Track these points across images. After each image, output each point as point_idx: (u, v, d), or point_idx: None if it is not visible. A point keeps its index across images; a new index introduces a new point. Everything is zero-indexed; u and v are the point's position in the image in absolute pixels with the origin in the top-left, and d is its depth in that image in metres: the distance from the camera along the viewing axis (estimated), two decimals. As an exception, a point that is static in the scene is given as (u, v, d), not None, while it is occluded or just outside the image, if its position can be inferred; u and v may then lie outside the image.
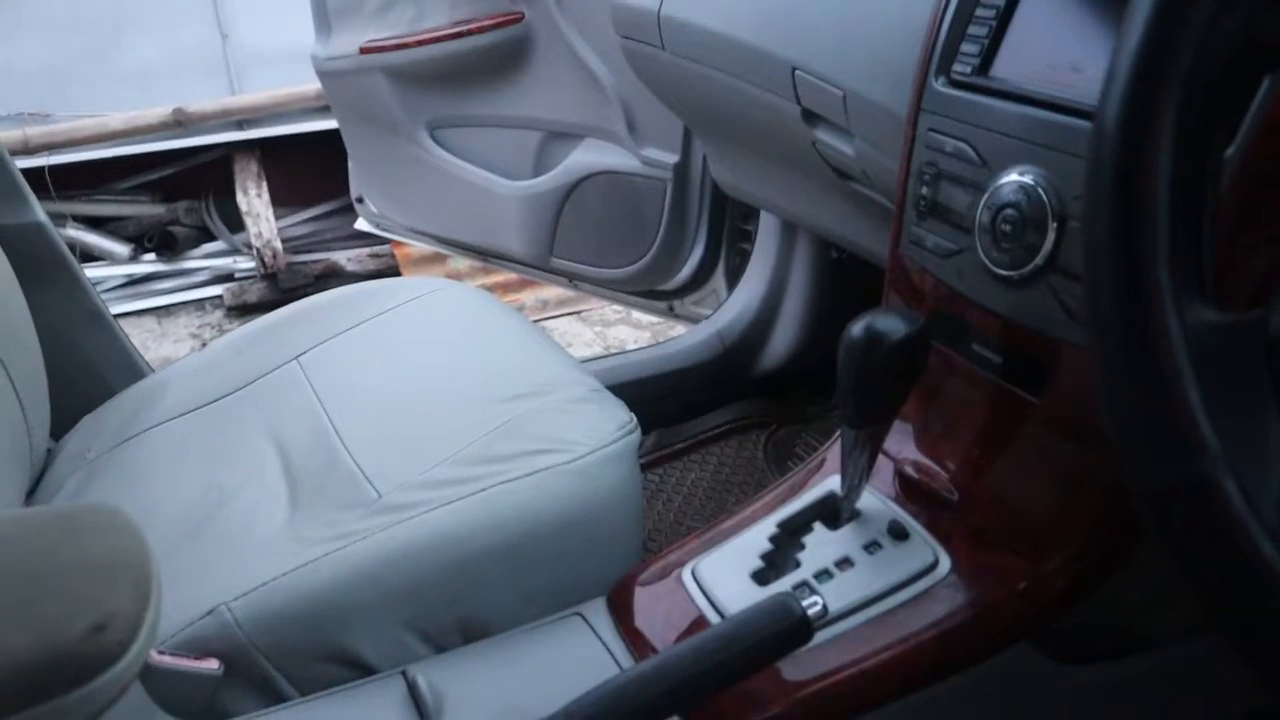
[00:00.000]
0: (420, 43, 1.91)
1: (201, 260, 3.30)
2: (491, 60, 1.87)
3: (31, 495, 1.09)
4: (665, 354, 1.72)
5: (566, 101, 1.83)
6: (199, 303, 3.20)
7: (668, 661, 0.65)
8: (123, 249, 3.23)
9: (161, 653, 0.73)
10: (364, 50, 1.98)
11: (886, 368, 0.72)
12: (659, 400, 1.66)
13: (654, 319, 2.60)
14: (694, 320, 1.89)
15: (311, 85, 3.15)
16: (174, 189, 3.43)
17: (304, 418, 1.06)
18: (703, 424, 1.71)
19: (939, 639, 0.73)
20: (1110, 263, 0.41)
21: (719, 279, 1.87)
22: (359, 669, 0.81)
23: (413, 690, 0.75)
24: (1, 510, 0.90)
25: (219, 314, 3.14)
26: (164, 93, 3.20)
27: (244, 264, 3.26)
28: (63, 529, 0.55)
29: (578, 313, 2.90)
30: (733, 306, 1.73)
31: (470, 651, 0.82)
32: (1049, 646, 0.77)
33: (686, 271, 1.86)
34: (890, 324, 0.72)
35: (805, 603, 0.66)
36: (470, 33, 1.85)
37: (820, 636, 0.73)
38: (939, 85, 0.80)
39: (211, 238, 3.38)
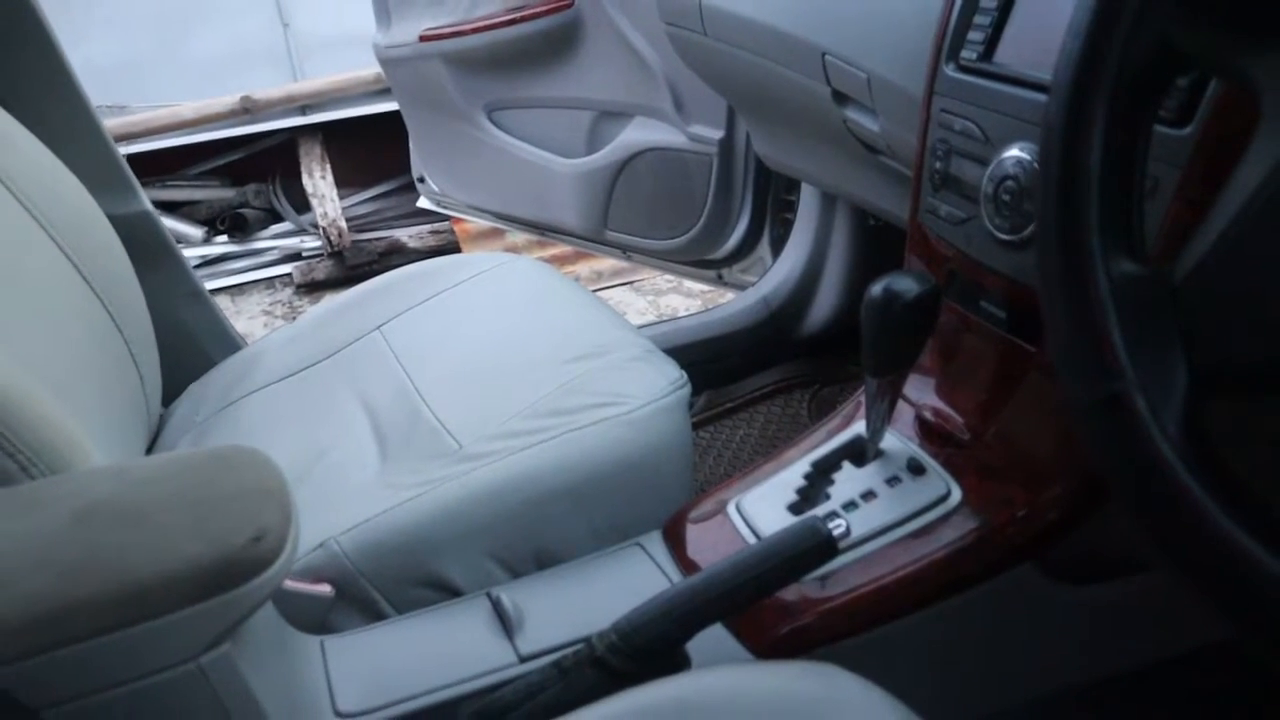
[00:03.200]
0: (476, 30, 2.02)
1: (270, 240, 3.46)
2: (544, 45, 1.97)
3: (149, 454, 1.22)
4: (715, 319, 1.82)
5: (616, 82, 1.93)
6: (269, 281, 3.36)
7: (711, 575, 0.76)
8: (197, 232, 3.39)
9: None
10: (423, 38, 2.09)
11: (902, 323, 0.83)
12: (709, 363, 1.77)
13: (705, 287, 2.70)
14: (741, 287, 1.98)
15: (370, 69, 3.28)
16: (242, 173, 3.58)
17: (388, 381, 1.18)
18: (750, 384, 1.82)
19: (949, 559, 0.83)
20: (1056, 226, 0.51)
21: (764, 247, 1.97)
22: (448, 591, 0.93)
23: (497, 607, 0.87)
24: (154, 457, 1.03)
25: (288, 291, 3.29)
26: (231, 82, 3.35)
27: (310, 243, 3.40)
28: (218, 465, 0.68)
29: (631, 283, 3.00)
30: (777, 273, 1.83)
31: (544, 576, 0.94)
32: (1050, 569, 0.87)
33: (733, 241, 1.95)
34: (905, 284, 0.82)
35: (831, 525, 0.77)
36: (523, 19, 1.95)
37: (845, 557, 0.85)
38: (949, 70, 0.90)
39: (279, 219, 3.53)
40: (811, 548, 0.76)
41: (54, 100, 1.24)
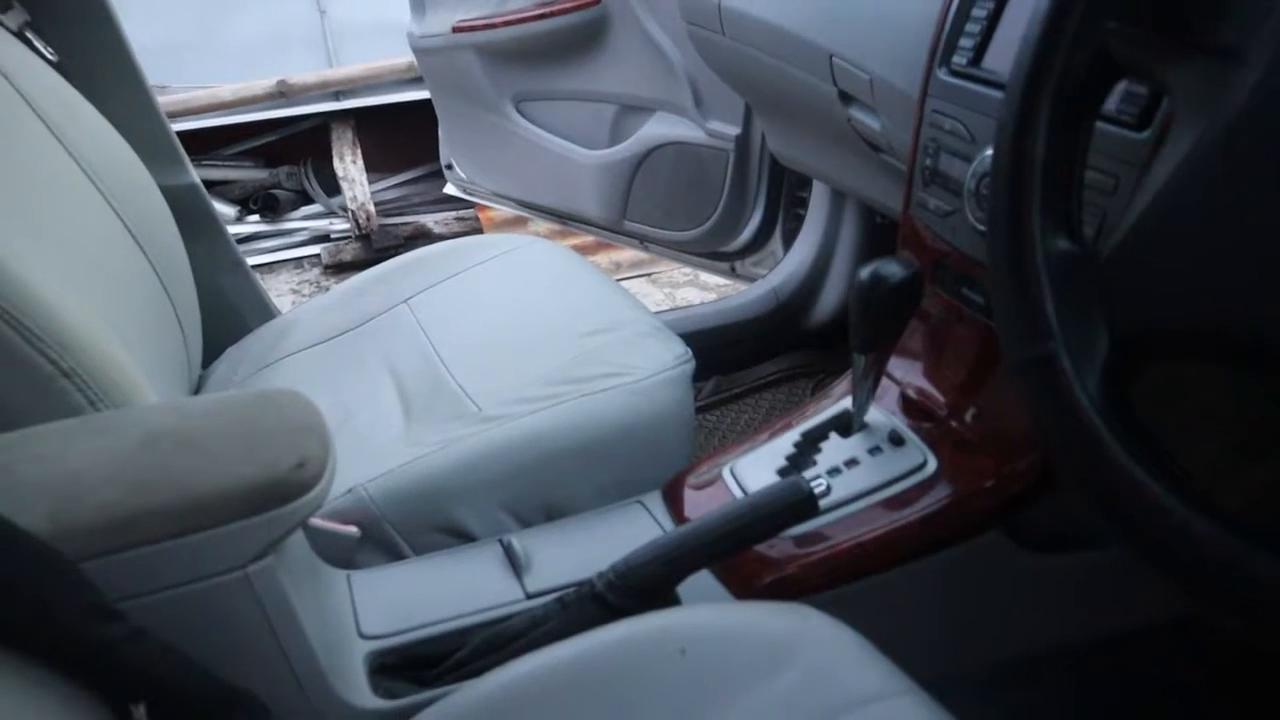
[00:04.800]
0: (507, 23, 2.09)
1: (300, 221, 3.55)
2: (572, 39, 2.05)
3: (193, 407, 1.31)
4: (725, 308, 1.90)
5: (639, 78, 2.01)
6: (298, 261, 3.45)
7: (702, 524, 0.85)
8: (230, 210, 3.49)
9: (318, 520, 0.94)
10: (456, 29, 2.17)
11: (886, 304, 0.91)
12: (719, 349, 1.85)
13: (720, 281, 2.78)
14: (754, 280, 2.06)
15: (403, 58, 3.37)
16: (276, 155, 3.67)
17: (414, 350, 1.27)
18: (757, 372, 1.90)
19: (923, 522, 0.91)
20: (1004, 208, 0.59)
21: (776, 242, 2.04)
22: (463, 537, 1.02)
23: (508, 552, 0.96)
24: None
25: (316, 271, 3.38)
26: (268, 66, 3.44)
27: (339, 225, 3.50)
28: (265, 403, 0.76)
29: (649, 275, 3.08)
30: (787, 266, 1.91)
31: (552, 527, 1.03)
32: (1017, 537, 0.95)
33: (747, 234, 2.03)
34: (890, 269, 0.90)
35: (813, 484, 0.86)
36: (553, 14, 2.03)
37: (827, 517, 0.93)
38: (941, 74, 0.98)
39: (310, 201, 3.62)
40: (794, 503, 0.85)
41: (114, 76, 1.33)
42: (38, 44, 1.23)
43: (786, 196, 1.99)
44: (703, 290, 2.97)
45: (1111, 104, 0.76)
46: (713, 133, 1.92)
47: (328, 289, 3.20)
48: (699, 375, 1.76)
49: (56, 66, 1.23)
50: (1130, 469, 0.51)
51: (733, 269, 2.17)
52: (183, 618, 0.68)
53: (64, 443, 0.72)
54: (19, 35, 1.19)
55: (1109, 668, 1.06)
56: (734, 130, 1.89)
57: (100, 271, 1.05)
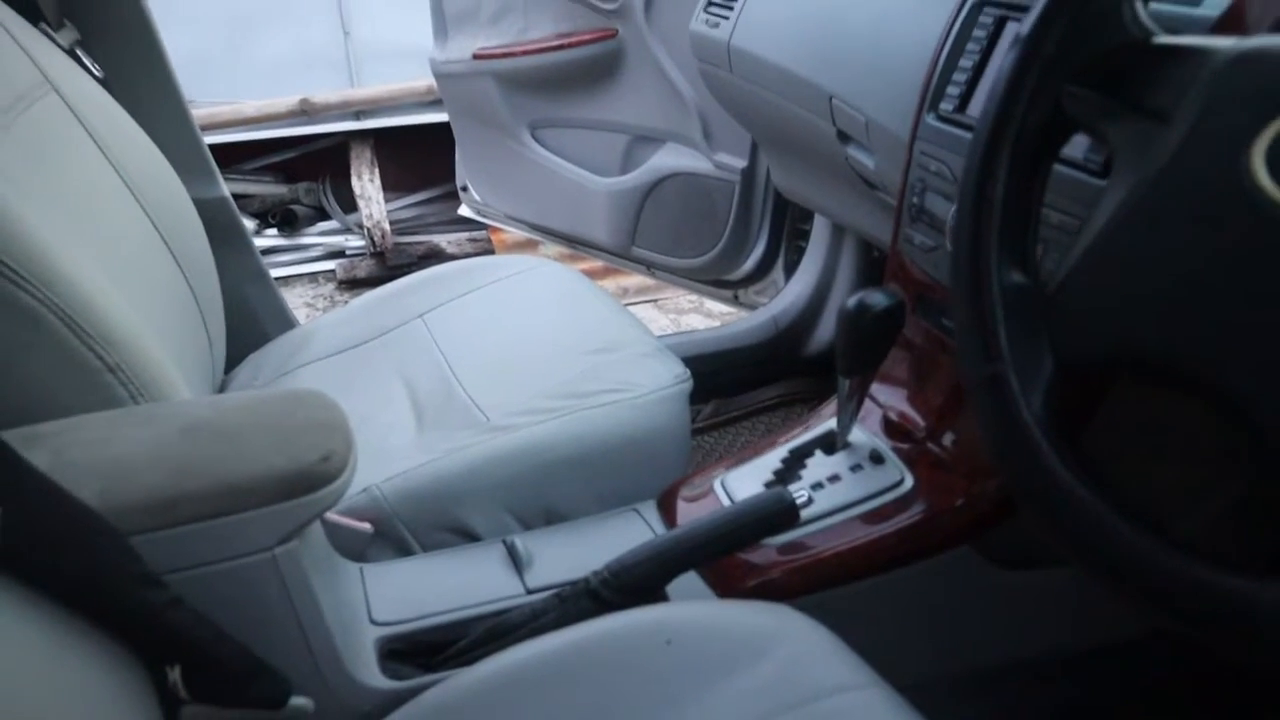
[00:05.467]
0: (526, 52, 2.18)
1: (317, 237, 3.63)
2: (588, 70, 2.12)
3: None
4: (727, 334, 1.97)
5: (651, 109, 2.08)
6: (313, 275, 3.53)
7: (691, 528, 0.92)
8: (249, 224, 3.58)
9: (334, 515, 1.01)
10: (477, 56, 2.25)
11: (871, 331, 0.98)
12: (719, 373, 1.91)
13: (725, 309, 2.85)
14: (756, 308, 2.13)
15: (422, 81, 3.45)
16: (295, 171, 3.76)
17: (427, 362, 1.34)
18: (755, 397, 1.96)
19: (897, 535, 0.98)
20: (966, 243, 0.66)
21: (778, 272, 2.11)
22: (469, 537, 1.09)
23: (510, 551, 1.03)
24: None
25: (330, 286, 3.46)
26: (291, 84, 3.53)
27: (355, 242, 3.58)
28: (294, 401, 0.83)
29: (655, 300, 3.15)
30: (787, 295, 1.98)
31: (553, 530, 1.10)
32: (987, 553, 1.01)
33: (750, 264, 2.10)
34: (875, 299, 0.97)
35: (795, 495, 0.92)
36: (570, 45, 2.11)
37: (809, 527, 0.99)
38: (929, 119, 1.05)
39: (327, 217, 3.71)
40: (777, 512, 0.92)
41: (155, 93, 1.40)
42: (86, 61, 1.30)
43: (789, 228, 2.06)
44: (707, 317, 3.04)
45: (1079, 152, 0.83)
46: (720, 165, 2.00)
47: (342, 304, 3.28)
48: (700, 398, 1.84)
49: (102, 82, 1.31)
50: (1064, 477, 0.58)
51: (736, 297, 2.24)
52: (214, 594, 0.75)
53: (110, 431, 0.79)
54: (70, 53, 1.27)
55: (1082, 679, 1.12)
56: (740, 163, 1.96)
57: (137, 277, 1.12)
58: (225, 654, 0.71)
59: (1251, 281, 0.52)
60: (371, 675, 0.87)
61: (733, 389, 1.95)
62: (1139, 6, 0.62)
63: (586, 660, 0.79)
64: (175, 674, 0.69)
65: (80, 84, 1.22)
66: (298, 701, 0.75)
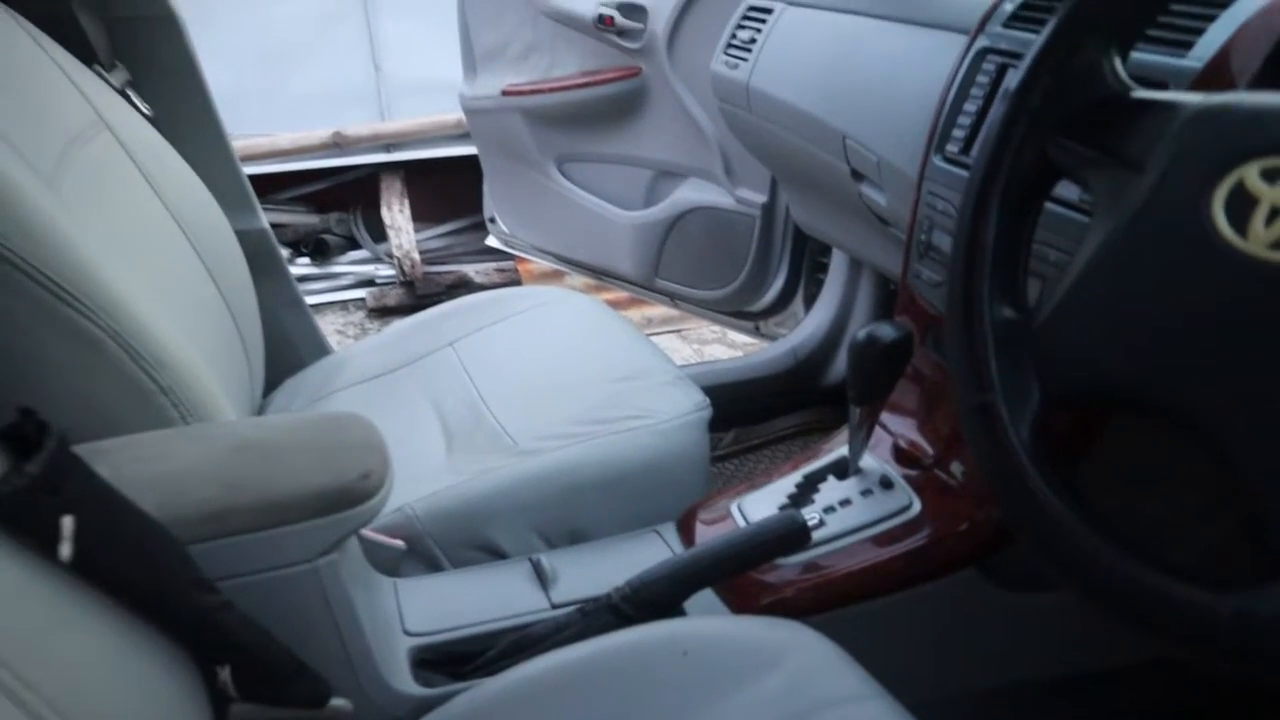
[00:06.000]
0: (553, 89, 2.24)
1: (348, 266, 3.71)
2: (613, 107, 2.19)
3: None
4: (748, 364, 2.02)
5: (674, 145, 2.14)
6: (344, 303, 3.60)
7: (708, 547, 0.97)
8: (281, 253, 3.66)
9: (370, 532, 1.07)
10: (505, 93, 2.32)
11: (879, 362, 1.03)
12: (740, 403, 1.96)
13: (747, 340, 2.90)
14: (776, 339, 2.18)
15: (451, 114, 3.53)
16: (327, 202, 3.83)
17: (457, 388, 1.39)
18: (775, 426, 2.01)
19: (905, 557, 1.02)
20: (959, 281, 0.71)
21: (798, 304, 2.16)
22: (496, 555, 1.14)
23: (536, 568, 1.08)
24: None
25: (361, 314, 3.53)
26: (324, 117, 3.62)
27: (384, 271, 3.65)
28: (335, 424, 0.89)
29: (679, 331, 3.20)
30: (806, 327, 2.02)
31: (576, 549, 1.15)
32: (992, 576, 1.05)
33: (770, 296, 2.15)
34: (884, 331, 1.02)
35: (807, 517, 0.97)
36: (596, 83, 2.18)
37: (821, 549, 1.04)
38: (936, 160, 1.10)
39: (357, 246, 3.78)
40: (789, 533, 0.96)
41: (200, 130, 1.48)
42: (136, 101, 1.37)
43: (809, 262, 2.11)
44: (730, 348, 3.09)
45: (1074, 194, 0.88)
46: (741, 200, 2.05)
47: (372, 331, 3.36)
48: (721, 426, 1.88)
49: (151, 121, 1.38)
50: (1048, 499, 0.63)
51: (757, 328, 2.29)
52: (260, 601, 0.80)
53: (164, 448, 0.85)
54: (121, 93, 1.34)
55: (1086, 703, 1.16)
56: (761, 198, 2.02)
57: (185, 304, 1.18)
58: (271, 656, 0.76)
59: (1213, 319, 0.57)
60: (404, 682, 0.92)
61: (753, 418, 2.00)
62: (1118, 63, 0.67)
63: (607, 670, 0.83)
64: (225, 673, 0.74)
65: (131, 123, 1.29)
66: (337, 702, 0.80)
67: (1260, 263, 0.54)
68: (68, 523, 0.62)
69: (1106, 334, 0.62)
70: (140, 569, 0.68)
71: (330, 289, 3.63)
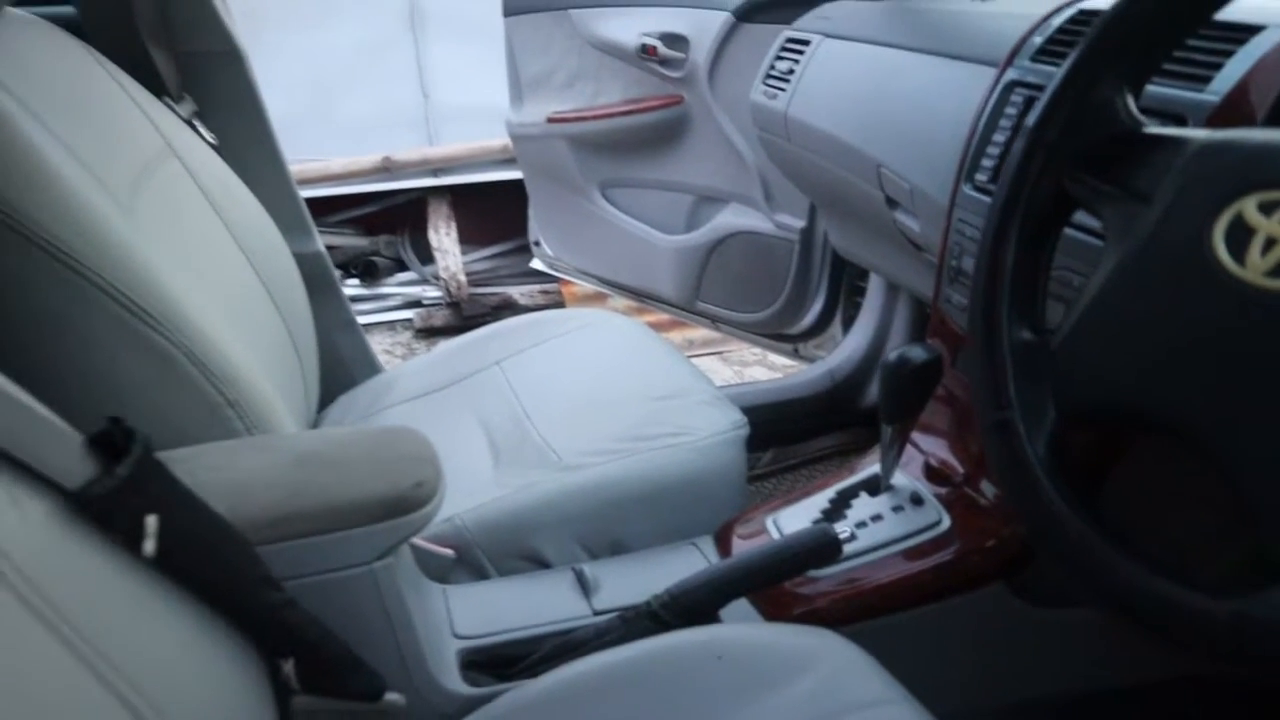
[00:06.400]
0: (597, 116, 2.30)
1: (396, 287, 3.79)
2: (655, 134, 2.25)
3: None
4: (786, 385, 2.06)
5: (715, 172, 2.20)
6: (391, 324, 3.68)
7: (742, 558, 1.01)
8: (336, 275, 3.75)
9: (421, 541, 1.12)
10: (551, 120, 2.38)
11: (909, 383, 1.07)
12: (778, 423, 2.00)
13: (787, 362, 2.94)
14: (815, 361, 2.22)
15: (497, 140, 3.61)
16: (376, 224, 3.92)
17: (503, 406, 1.45)
18: (813, 446, 2.05)
19: (934, 570, 1.06)
20: (981, 304, 0.75)
21: (837, 326, 2.20)
22: (541, 564, 1.19)
23: (579, 577, 1.12)
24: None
25: (408, 335, 3.61)
26: (374, 142, 3.71)
27: (431, 293, 3.73)
28: (390, 436, 0.95)
29: (720, 353, 3.25)
30: (843, 350, 2.06)
31: (617, 560, 1.20)
32: (1022, 592, 1.09)
33: (809, 319, 2.20)
34: (914, 353, 1.06)
35: (839, 531, 1.01)
36: (639, 110, 2.24)
37: (853, 561, 1.08)
38: (966, 189, 1.14)
39: (405, 268, 3.87)
40: (822, 545, 1.01)
41: (260, 158, 1.55)
42: (202, 130, 1.45)
43: (847, 286, 2.15)
44: (770, 370, 3.13)
45: (1096, 221, 0.91)
46: (780, 225, 2.10)
47: (418, 351, 3.43)
48: (760, 445, 1.93)
49: (215, 149, 1.45)
50: (1063, 512, 0.67)
51: (796, 350, 2.33)
52: (319, 601, 0.85)
53: (232, 457, 0.90)
54: (188, 123, 1.41)
55: (1113, 717, 1.18)
56: (800, 223, 2.07)
57: (246, 323, 1.25)
58: (331, 651, 0.82)
59: (1214, 342, 0.60)
60: (453, 681, 0.97)
61: (791, 438, 2.04)
62: (1131, 100, 0.72)
63: (645, 673, 0.88)
64: (288, 667, 0.79)
65: (197, 151, 1.36)
66: (391, 697, 0.86)
67: (1256, 289, 0.58)
68: (151, 521, 0.67)
69: (1117, 356, 0.66)
70: (214, 566, 0.73)
71: (378, 310, 3.71)
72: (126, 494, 0.67)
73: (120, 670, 0.61)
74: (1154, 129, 0.70)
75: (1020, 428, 0.70)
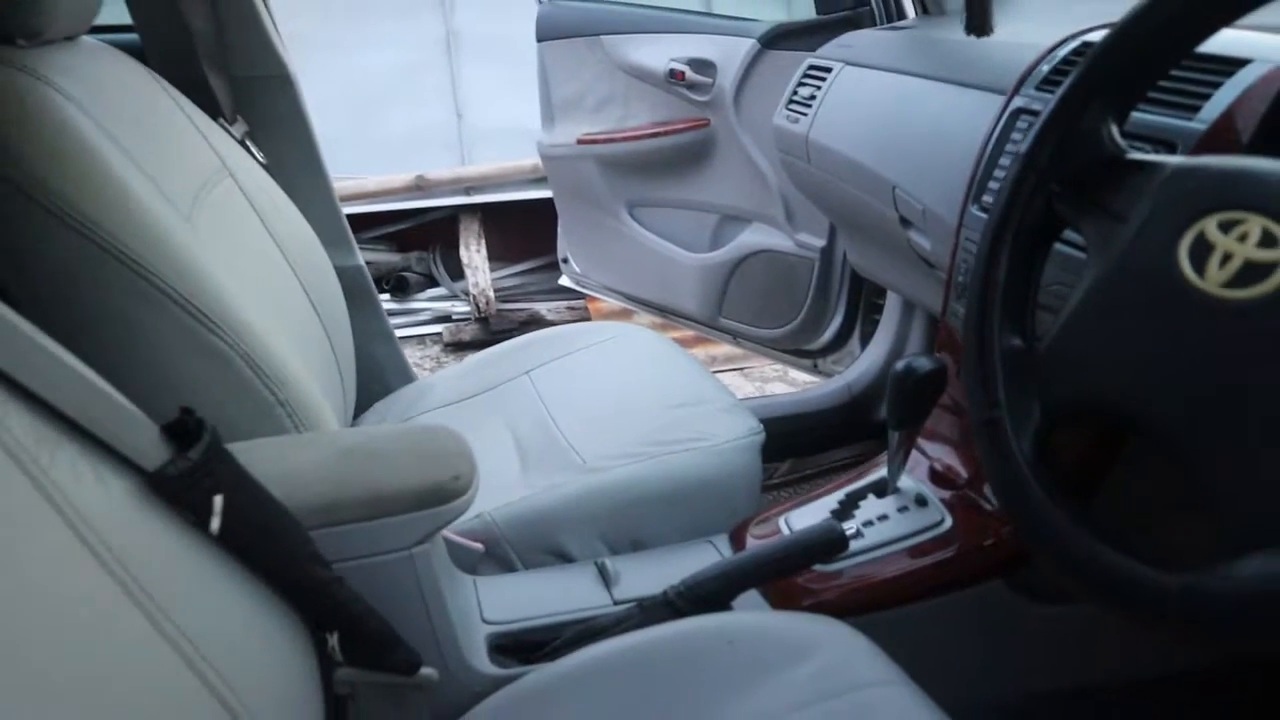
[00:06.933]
0: (626, 138, 2.38)
1: (426, 302, 3.89)
2: (681, 155, 2.33)
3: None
4: (804, 398, 2.13)
5: (739, 192, 2.28)
6: (421, 338, 3.77)
7: (753, 551, 1.07)
8: (374, 288, 3.84)
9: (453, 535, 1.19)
10: (580, 141, 2.46)
11: (915, 391, 1.13)
12: (796, 434, 2.07)
13: (807, 378, 3.00)
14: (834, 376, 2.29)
15: (527, 160, 3.71)
16: (408, 241, 4.03)
17: (531, 412, 1.52)
18: (829, 457, 2.11)
19: (935, 566, 1.12)
20: (974, 315, 0.82)
21: (855, 342, 2.27)
22: (565, 559, 1.26)
23: (601, 570, 1.19)
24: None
25: (437, 348, 3.70)
26: (407, 161, 3.82)
27: (460, 308, 3.82)
28: (428, 434, 1.02)
29: (742, 369, 3.32)
30: (860, 365, 2.13)
31: (637, 555, 1.27)
32: (1018, 588, 1.15)
33: (828, 335, 2.27)
34: (920, 363, 1.13)
35: (848, 530, 1.08)
36: (666, 133, 2.32)
37: (860, 558, 1.14)
38: (973, 209, 1.21)
39: (436, 284, 3.96)
40: (829, 540, 1.07)
41: (306, 175, 1.63)
42: (253, 150, 1.53)
43: (865, 303, 2.22)
44: (791, 385, 3.19)
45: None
46: (801, 244, 2.17)
47: (446, 364, 3.52)
48: (777, 456, 1.99)
49: (265, 168, 1.54)
50: (1044, 503, 0.73)
51: (815, 365, 2.39)
52: (361, 583, 0.92)
53: (284, 451, 0.98)
54: (241, 143, 1.50)
55: (1107, 712, 1.24)
56: (820, 243, 2.14)
57: (291, 331, 1.33)
58: (372, 626, 0.89)
59: (1178, 347, 0.67)
60: (482, 662, 1.04)
61: (808, 449, 2.10)
62: (1114, 129, 0.78)
63: (661, 655, 0.94)
64: (334, 640, 0.87)
65: (249, 169, 1.45)
66: (426, 671, 0.93)
67: (1213, 298, 0.65)
68: (218, 501, 0.75)
69: (1096, 360, 0.73)
70: (270, 543, 0.81)
71: (409, 324, 3.80)
72: (197, 476, 0.74)
73: (187, 634, 0.69)
74: (1134, 155, 0.76)
75: (1008, 426, 0.77)
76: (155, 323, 1.00)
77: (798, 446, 2.08)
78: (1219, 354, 0.65)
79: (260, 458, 0.93)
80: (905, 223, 1.48)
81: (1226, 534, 0.62)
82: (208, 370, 1.03)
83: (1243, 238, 0.64)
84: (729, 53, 2.16)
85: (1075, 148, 0.79)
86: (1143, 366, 0.69)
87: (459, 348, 3.65)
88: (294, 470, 0.93)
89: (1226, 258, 0.65)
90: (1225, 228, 0.65)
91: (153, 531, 0.72)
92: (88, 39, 1.20)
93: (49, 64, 1.03)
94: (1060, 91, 0.81)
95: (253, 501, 0.80)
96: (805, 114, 1.72)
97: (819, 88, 1.72)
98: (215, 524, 0.75)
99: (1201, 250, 0.66)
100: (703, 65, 2.20)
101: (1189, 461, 0.66)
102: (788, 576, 1.12)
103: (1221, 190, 0.67)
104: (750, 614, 1.04)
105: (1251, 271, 0.63)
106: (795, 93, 1.79)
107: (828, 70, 1.72)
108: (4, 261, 0.99)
